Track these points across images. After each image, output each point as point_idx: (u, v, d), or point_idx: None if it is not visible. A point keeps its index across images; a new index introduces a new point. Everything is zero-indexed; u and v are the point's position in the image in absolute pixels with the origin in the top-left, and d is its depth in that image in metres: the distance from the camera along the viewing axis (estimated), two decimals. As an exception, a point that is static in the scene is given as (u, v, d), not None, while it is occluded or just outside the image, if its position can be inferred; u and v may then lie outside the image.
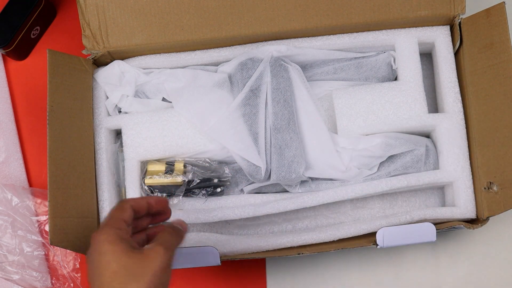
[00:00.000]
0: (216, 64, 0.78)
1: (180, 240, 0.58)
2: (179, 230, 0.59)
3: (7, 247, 0.78)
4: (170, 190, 0.74)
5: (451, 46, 0.75)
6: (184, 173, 0.74)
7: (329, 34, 0.76)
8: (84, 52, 0.75)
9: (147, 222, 0.61)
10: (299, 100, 0.74)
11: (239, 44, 0.76)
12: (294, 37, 0.76)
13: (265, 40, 0.76)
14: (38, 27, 0.86)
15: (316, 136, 0.73)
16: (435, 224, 0.69)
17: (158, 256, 0.52)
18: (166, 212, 0.61)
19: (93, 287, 0.51)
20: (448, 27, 0.76)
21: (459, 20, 0.73)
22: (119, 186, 0.77)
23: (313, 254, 0.75)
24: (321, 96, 0.77)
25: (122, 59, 0.77)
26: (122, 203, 0.57)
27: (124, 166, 0.75)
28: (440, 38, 0.75)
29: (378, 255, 0.79)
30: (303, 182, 0.75)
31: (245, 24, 0.74)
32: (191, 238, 0.72)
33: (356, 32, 0.76)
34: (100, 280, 0.50)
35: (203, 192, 0.74)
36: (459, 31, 0.73)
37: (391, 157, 0.74)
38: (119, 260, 0.51)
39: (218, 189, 0.74)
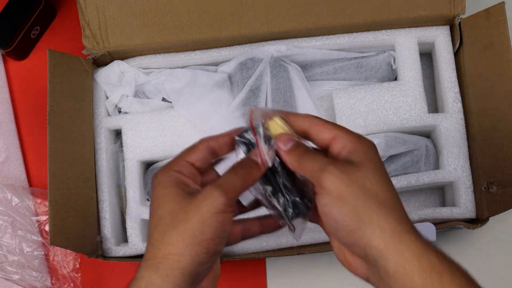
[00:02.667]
0: (216, 64, 0.78)
1: (246, 182, 0.46)
2: (248, 169, 0.46)
3: (7, 247, 0.78)
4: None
5: (451, 46, 0.75)
6: None
7: (329, 34, 0.76)
8: (84, 52, 0.75)
9: None
10: (299, 100, 0.74)
11: (239, 44, 0.76)
12: (294, 37, 0.76)
13: (265, 40, 0.76)
14: (38, 27, 0.86)
15: (316, 136, 0.73)
16: (435, 224, 0.69)
17: (207, 199, 0.43)
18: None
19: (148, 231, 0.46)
20: (448, 27, 0.76)
21: (459, 20, 0.73)
22: (119, 186, 0.77)
23: (313, 254, 0.75)
24: (321, 96, 0.77)
25: (122, 59, 0.77)
26: (197, 142, 0.48)
27: (124, 166, 0.76)
28: (440, 38, 0.75)
29: (378, 255, 0.79)
30: (303, 182, 0.75)
31: (245, 24, 0.74)
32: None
33: (356, 32, 0.76)
34: (149, 226, 0.45)
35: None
36: (459, 31, 0.73)
37: (391, 157, 0.74)
38: (166, 205, 0.44)
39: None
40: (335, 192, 0.42)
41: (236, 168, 0.46)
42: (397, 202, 0.44)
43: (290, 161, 0.46)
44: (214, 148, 0.48)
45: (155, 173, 0.46)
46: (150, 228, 0.45)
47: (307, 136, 0.47)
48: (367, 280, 0.46)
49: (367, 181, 0.43)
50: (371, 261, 0.42)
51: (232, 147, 0.48)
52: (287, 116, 0.47)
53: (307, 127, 0.47)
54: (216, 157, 0.48)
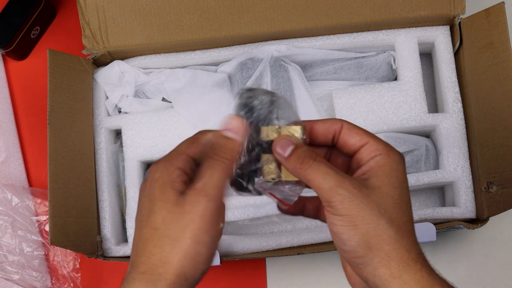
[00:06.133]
0: (216, 64, 0.78)
1: (227, 171, 0.42)
2: (223, 153, 0.42)
3: (7, 247, 0.78)
4: None
5: (451, 46, 0.75)
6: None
7: (329, 34, 0.76)
8: (84, 52, 0.75)
9: None
10: (299, 100, 0.74)
11: (239, 44, 0.76)
12: (294, 37, 0.76)
13: (265, 40, 0.76)
14: (38, 27, 0.86)
15: (316, 136, 0.73)
16: (435, 224, 0.69)
17: (197, 211, 0.40)
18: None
19: (136, 233, 0.42)
20: (448, 27, 0.76)
21: (459, 20, 0.73)
22: (119, 186, 0.77)
23: (313, 254, 0.75)
24: (321, 96, 0.77)
25: (122, 59, 0.77)
26: (197, 134, 0.45)
27: (124, 166, 0.76)
28: (440, 38, 0.75)
29: (378, 255, 0.79)
30: (303, 182, 0.74)
31: (245, 24, 0.74)
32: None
33: (356, 32, 0.76)
34: (139, 229, 0.42)
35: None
36: (459, 31, 0.73)
37: (391, 157, 0.73)
38: (160, 212, 0.41)
39: None
40: (346, 216, 0.41)
41: (211, 160, 0.42)
42: (410, 227, 0.42)
43: (293, 169, 0.43)
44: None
45: (155, 164, 0.43)
46: (141, 233, 0.42)
47: (333, 141, 0.45)
48: None
49: (382, 206, 0.41)
50: (372, 286, 0.41)
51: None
52: (312, 123, 0.45)
53: (337, 130, 0.45)
54: None
